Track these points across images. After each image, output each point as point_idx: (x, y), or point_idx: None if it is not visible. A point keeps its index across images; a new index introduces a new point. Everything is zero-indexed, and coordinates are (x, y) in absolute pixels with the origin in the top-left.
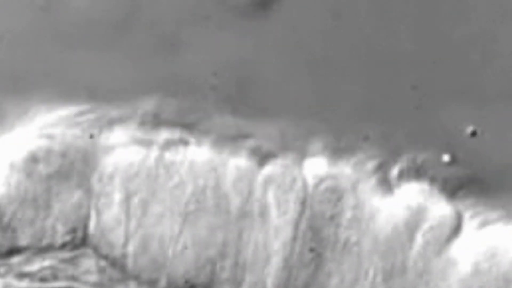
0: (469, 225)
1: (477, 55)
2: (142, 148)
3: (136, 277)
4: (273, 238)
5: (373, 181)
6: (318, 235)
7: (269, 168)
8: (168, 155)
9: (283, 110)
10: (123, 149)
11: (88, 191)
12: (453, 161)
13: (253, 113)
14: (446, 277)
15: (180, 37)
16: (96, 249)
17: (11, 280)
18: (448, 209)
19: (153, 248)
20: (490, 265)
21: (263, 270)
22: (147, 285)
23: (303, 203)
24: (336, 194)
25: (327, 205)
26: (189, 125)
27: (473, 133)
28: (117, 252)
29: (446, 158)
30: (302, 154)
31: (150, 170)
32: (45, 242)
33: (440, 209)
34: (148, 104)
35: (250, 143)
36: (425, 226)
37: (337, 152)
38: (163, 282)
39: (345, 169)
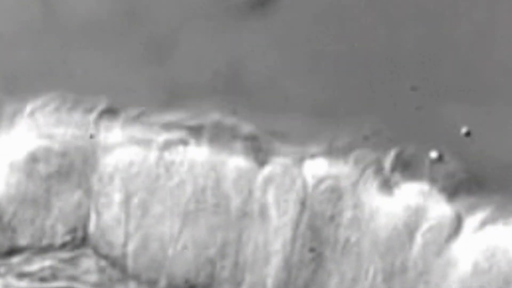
0: (469, 225)
1: (477, 55)
2: (142, 148)
3: (136, 277)
4: (273, 238)
5: (373, 181)
6: (318, 235)
7: (269, 168)
8: (168, 155)
9: (284, 110)
10: (123, 149)
11: (88, 191)
12: (453, 161)
13: (253, 113)
14: (446, 277)
15: (179, 37)
16: (96, 249)
17: (11, 280)
18: (448, 209)
19: (153, 248)
20: (490, 265)
21: (263, 270)
22: (147, 285)
23: (303, 203)
24: (336, 194)
25: (327, 205)
26: (189, 125)
27: (467, 134)
28: (117, 252)
29: (434, 154)
30: (302, 154)
31: (150, 170)
32: (45, 242)
33: (439, 209)
34: (148, 104)
35: (250, 143)
36: (425, 226)
37: (337, 152)
38: (163, 282)
39: (345, 169)
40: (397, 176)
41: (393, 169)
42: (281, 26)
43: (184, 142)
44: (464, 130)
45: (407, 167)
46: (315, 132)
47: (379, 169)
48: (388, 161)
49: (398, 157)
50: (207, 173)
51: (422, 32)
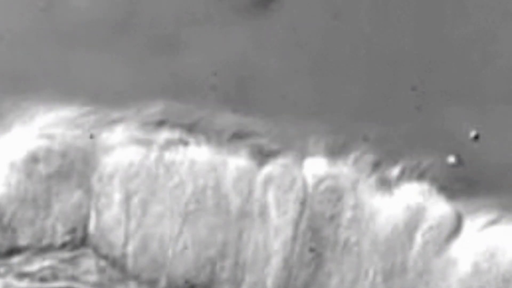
0: (469, 225)
1: (478, 55)
2: (142, 148)
3: (136, 277)
4: (273, 238)
5: (373, 181)
6: (318, 235)
7: (269, 168)
8: (168, 155)
9: (283, 110)
10: (123, 149)
11: (88, 191)
12: (453, 161)
13: (253, 113)
14: (446, 277)
15: (180, 37)
16: (96, 249)
17: (11, 280)
18: (448, 209)
19: (153, 248)
20: (490, 265)
21: (263, 270)
22: (147, 285)
23: (303, 203)
24: (336, 194)
25: (327, 205)
26: (189, 125)
27: (476, 137)
28: (117, 252)
29: (451, 159)
30: (302, 154)
31: (150, 170)
32: (45, 242)
33: (439, 209)
34: (148, 104)
35: (250, 143)
36: (425, 226)
37: (337, 152)
38: (163, 282)
39: (345, 169)
40: (397, 176)
41: (393, 169)
42: (282, 27)
43: (184, 142)
44: (472, 134)
45: (407, 167)
46: (315, 133)
47: (379, 169)
48: (388, 162)
49: (398, 157)
50: (207, 173)
51: (422, 32)
